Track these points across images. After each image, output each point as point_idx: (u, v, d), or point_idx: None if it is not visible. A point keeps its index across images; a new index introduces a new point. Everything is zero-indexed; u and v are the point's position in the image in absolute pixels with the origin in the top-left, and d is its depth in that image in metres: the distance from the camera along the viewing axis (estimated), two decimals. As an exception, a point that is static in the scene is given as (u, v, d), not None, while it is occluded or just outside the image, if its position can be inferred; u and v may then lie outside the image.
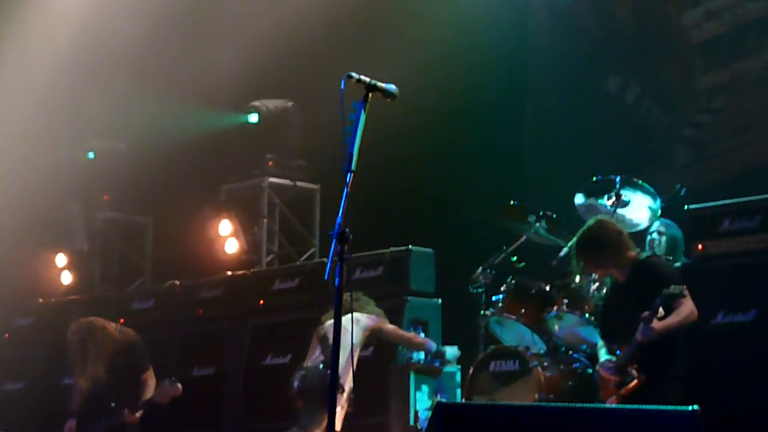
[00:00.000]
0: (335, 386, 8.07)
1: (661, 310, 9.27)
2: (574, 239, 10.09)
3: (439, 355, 11.09)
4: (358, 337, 9.57)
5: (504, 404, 9.41)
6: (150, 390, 11.84)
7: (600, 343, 9.94)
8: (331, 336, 10.41)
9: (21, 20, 15.35)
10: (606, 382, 9.71)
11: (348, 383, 10.27)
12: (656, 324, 9.26)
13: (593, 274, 10.27)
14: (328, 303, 10.32)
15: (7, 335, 15.23)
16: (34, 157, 15.22)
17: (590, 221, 10.13)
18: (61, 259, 15.66)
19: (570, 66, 14.44)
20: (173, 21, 14.79)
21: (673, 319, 9.31)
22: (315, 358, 10.86)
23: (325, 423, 10.49)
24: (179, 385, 11.67)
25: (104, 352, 11.99)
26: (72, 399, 12.34)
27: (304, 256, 14.57)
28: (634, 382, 9.50)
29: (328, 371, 10.44)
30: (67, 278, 15.59)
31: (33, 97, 15.17)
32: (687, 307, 9.37)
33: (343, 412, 10.35)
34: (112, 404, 12.05)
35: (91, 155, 16.30)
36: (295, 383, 10.92)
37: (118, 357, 12.13)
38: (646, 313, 9.25)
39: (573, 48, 14.47)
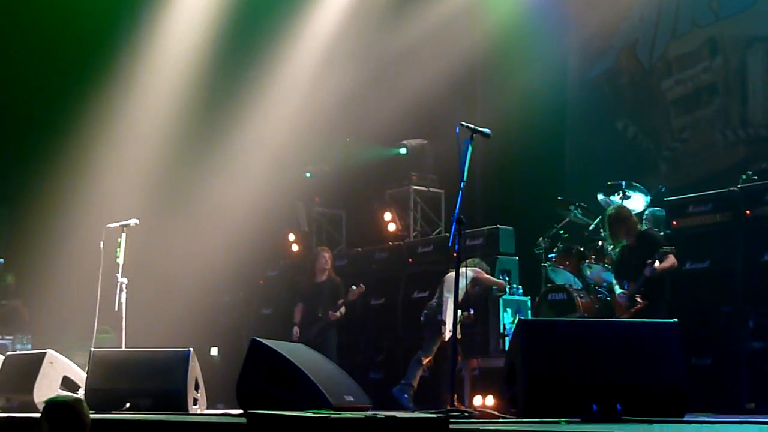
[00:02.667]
0: (456, 319, 8.15)
1: (657, 261, 9.37)
2: (602, 217, 10.20)
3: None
4: (463, 284, 9.58)
5: (560, 319, 9.46)
6: (342, 301, 12.09)
7: (615, 282, 9.97)
8: (448, 284, 10.56)
9: (272, 85, 15.48)
10: (620, 306, 9.74)
11: (449, 319, 10.34)
12: (657, 266, 9.37)
13: (611, 239, 10.29)
14: (450, 261, 10.47)
15: (261, 282, 15.38)
16: (275, 174, 15.31)
17: (613, 207, 10.25)
18: (291, 236, 15.78)
19: (593, 114, 14.35)
20: (360, 83, 14.80)
21: (664, 265, 9.38)
22: (436, 298, 10.95)
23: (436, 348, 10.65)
24: (362, 286, 11.94)
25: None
26: (294, 316, 12.57)
27: (435, 232, 14.52)
28: (639, 305, 9.54)
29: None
30: (295, 247, 15.69)
31: (275, 135, 15.29)
32: (671, 259, 9.45)
33: (445, 337, 10.47)
34: (320, 314, 12.27)
35: (308, 174, 16.44)
36: (421, 318, 11.04)
37: (328, 288, 12.41)
38: (650, 260, 9.36)
39: (594, 103, 14.37)
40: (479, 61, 14.82)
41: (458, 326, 9.55)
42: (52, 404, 5.98)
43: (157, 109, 15.31)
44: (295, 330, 12.39)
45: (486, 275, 10.98)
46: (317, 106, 15.18)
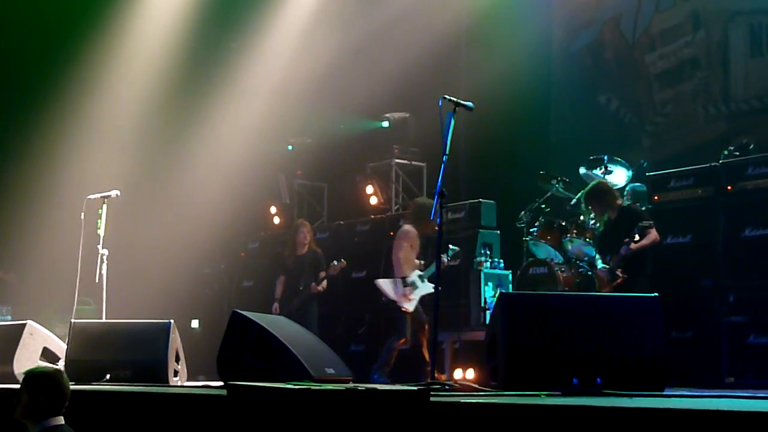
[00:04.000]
0: (437, 289, 8.13)
1: (637, 236, 9.38)
2: (584, 192, 10.20)
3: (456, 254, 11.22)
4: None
5: (540, 293, 9.47)
6: (323, 274, 12.10)
7: (597, 256, 9.99)
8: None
9: (254, 57, 15.41)
10: (602, 280, 9.78)
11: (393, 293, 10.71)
12: (633, 245, 9.37)
13: (593, 214, 10.30)
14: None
15: (243, 254, 15.38)
16: (257, 146, 15.27)
17: (594, 181, 10.24)
18: (273, 209, 15.77)
19: (576, 87, 14.34)
20: (342, 56, 14.74)
21: (644, 241, 9.43)
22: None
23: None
24: (344, 262, 11.97)
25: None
26: (276, 290, 12.58)
27: (417, 205, 14.51)
28: (620, 279, 9.57)
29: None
30: (276, 220, 15.70)
31: (257, 107, 15.26)
32: (653, 235, 9.49)
33: (408, 310, 10.60)
34: (302, 288, 12.28)
35: (290, 147, 16.43)
36: (383, 299, 11.11)
37: (309, 261, 12.40)
38: (627, 239, 9.38)
39: (578, 76, 14.36)
40: (463, 34, 14.78)
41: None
42: (32, 375, 5.97)
43: (137, 79, 15.23)
44: (275, 306, 12.41)
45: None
46: (299, 78, 15.12)
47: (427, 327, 10.60)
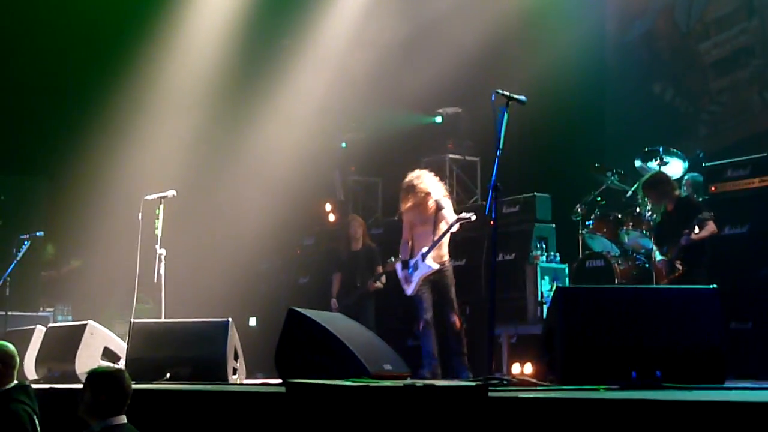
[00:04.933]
0: (494, 284, 8.07)
1: (696, 228, 9.30)
2: (641, 181, 10.15)
3: None
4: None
5: (598, 286, 9.42)
6: (380, 269, 12.11)
7: (654, 248, 9.92)
8: None
9: (307, 54, 15.45)
10: (660, 271, 9.71)
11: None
12: (693, 235, 9.30)
13: (650, 204, 10.23)
14: (486, 228, 10.42)
15: (298, 251, 15.43)
16: (311, 144, 15.31)
17: (652, 171, 10.19)
18: (328, 206, 15.80)
19: (630, 78, 14.23)
20: (394, 51, 14.71)
21: (704, 233, 9.34)
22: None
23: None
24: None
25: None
26: (332, 287, 12.63)
27: (471, 200, 14.48)
28: (679, 271, 9.50)
29: None
30: (332, 217, 15.72)
31: (310, 105, 15.30)
32: (712, 227, 9.40)
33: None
34: (358, 284, 12.31)
35: (344, 144, 16.46)
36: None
37: (363, 256, 12.44)
38: (687, 230, 9.31)
39: (632, 67, 14.25)
40: (515, 26, 14.69)
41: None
42: (94, 374, 6.06)
43: (193, 80, 15.37)
44: (333, 302, 12.45)
45: None
46: (352, 74, 15.13)
47: (453, 310, 10.14)
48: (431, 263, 9.97)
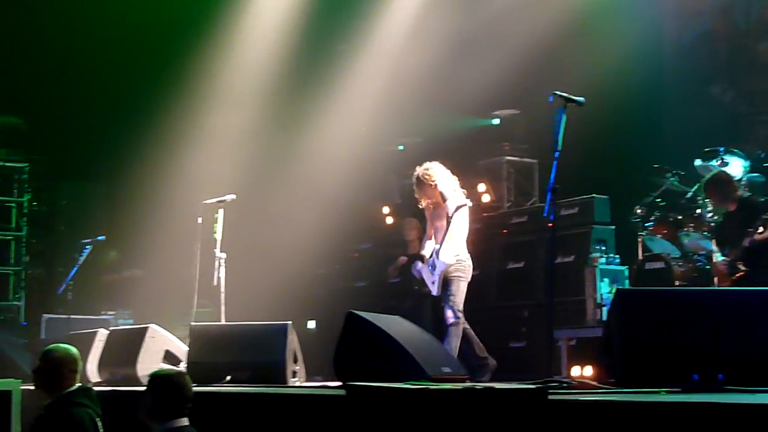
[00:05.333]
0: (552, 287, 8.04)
1: (761, 228, 9.20)
2: (703, 181, 10.06)
3: None
4: None
5: (658, 288, 9.32)
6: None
7: (715, 249, 9.82)
8: None
9: (362, 59, 15.48)
10: (721, 273, 9.61)
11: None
12: (756, 236, 9.19)
13: (711, 205, 10.12)
14: (544, 231, 10.35)
15: (356, 254, 15.47)
16: (367, 147, 15.35)
17: (713, 171, 10.08)
18: (385, 209, 15.81)
19: (689, 78, 14.10)
20: (450, 54, 14.66)
21: (766, 234, 9.22)
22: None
23: None
24: None
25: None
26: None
27: (528, 203, 14.40)
28: (740, 272, 9.39)
29: None
30: (389, 220, 15.73)
31: (366, 109, 15.32)
32: (774, 227, 9.30)
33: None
34: (415, 287, 12.31)
35: (400, 147, 16.47)
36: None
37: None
38: (750, 229, 9.20)
39: (690, 67, 14.12)
40: (571, 29, 14.60)
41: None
42: (156, 377, 6.13)
43: (249, 85, 15.48)
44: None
45: None
46: (408, 78, 15.12)
47: (447, 303, 9.66)
48: (446, 258, 9.61)
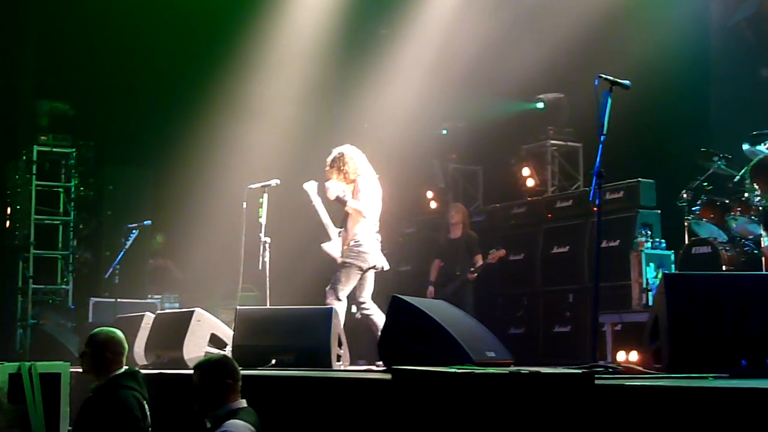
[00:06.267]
0: (598, 271, 7.96)
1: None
2: (748, 167, 9.92)
3: None
4: None
5: (705, 273, 9.23)
6: (480, 260, 12.11)
7: (762, 233, 9.71)
8: None
9: (405, 43, 15.45)
10: (769, 258, 9.52)
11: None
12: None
13: (758, 190, 10.01)
14: (589, 215, 10.30)
15: (400, 239, 15.50)
16: (411, 132, 15.36)
17: (760, 155, 9.94)
18: (429, 194, 15.83)
19: (736, 61, 13.92)
20: (494, 38, 14.59)
21: None
22: None
23: None
24: (503, 250, 11.91)
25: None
26: (431, 274, 12.67)
27: (573, 187, 14.35)
28: (790, 256, 9.30)
29: None
30: (433, 204, 15.76)
31: (410, 93, 15.29)
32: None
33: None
34: (458, 273, 12.31)
35: (444, 131, 16.46)
36: None
37: (463, 244, 12.43)
38: None
39: (738, 50, 13.94)
40: (617, 11, 14.47)
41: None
42: (202, 364, 6.18)
43: (291, 69, 15.55)
44: (430, 290, 12.49)
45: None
46: (451, 62, 15.11)
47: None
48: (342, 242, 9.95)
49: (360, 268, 9.79)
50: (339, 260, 9.80)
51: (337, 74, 15.72)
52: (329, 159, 10.03)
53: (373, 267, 9.85)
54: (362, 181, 9.92)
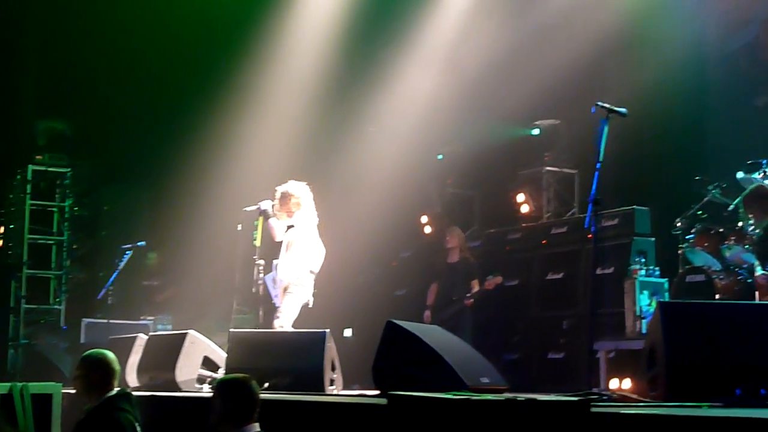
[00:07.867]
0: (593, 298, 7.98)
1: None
2: (742, 196, 9.93)
3: None
4: None
5: (700, 302, 9.24)
6: (476, 286, 12.09)
7: (756, 262, 9.70)
8: None
9: (404, 67, 15.44)
10: (763, 287, 9.49)
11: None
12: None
13: (752, 219, 10.01)
14: (584, 242, 10.30)
15: (395, 263, 15.49)
16: (407, 156, 15.34)
17: (754, 184, 9.95)
18: (424, 218, 15.82)
19: (732, 90, 13.94)
20: (491, 64, 14.58)
21: None
22: None
23: None
24: (500, 277, 11.89)
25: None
26: (427, 298, 12.65)
27: (568, 213, 14.33)
28: (783, 286, 9.30)
29: None
30: (428, 229, 15.74)
31: (407, 118, 15.29)
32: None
33: None
34: (455, 298, 12.29)
35: (440, 156, 16.46)
36: None
37: (461, 269, 12.41)
38: None
39: (734, 78, 13.97)
40: (614, 39, 14.51)
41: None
42: (223, 383, 6.14)
43: (290, 94, 15.51)
44: (427, 314, 12.46)
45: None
46: (449, 87, 15.11)
47: None
48: (283, 274, 10.27)
49: (302, 300, 10.23)
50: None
51: (335, 98, 15.68)
52: (308, 197, 10.51)
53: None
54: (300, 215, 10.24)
